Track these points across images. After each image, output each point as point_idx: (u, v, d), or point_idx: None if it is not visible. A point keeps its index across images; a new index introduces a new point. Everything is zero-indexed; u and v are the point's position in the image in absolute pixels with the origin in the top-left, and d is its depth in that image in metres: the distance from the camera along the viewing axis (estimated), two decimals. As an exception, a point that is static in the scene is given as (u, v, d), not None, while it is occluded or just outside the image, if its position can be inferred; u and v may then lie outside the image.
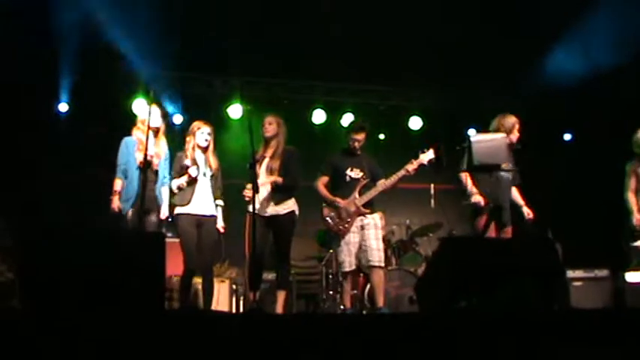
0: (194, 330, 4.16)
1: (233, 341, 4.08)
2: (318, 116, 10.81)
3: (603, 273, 8.93)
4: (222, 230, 7.12)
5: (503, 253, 4.91)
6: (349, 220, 7.15)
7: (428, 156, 7.37)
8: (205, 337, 4.09)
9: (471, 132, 10.46)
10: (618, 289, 8.64)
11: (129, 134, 7.05)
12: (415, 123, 11.34)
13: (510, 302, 4.46)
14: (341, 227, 7.15)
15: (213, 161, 7.08)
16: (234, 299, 8.65)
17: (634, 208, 7.55)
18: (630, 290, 8.39)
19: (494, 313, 4.20)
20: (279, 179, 6.91)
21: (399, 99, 11.46)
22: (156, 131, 6.97)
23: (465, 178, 6.98)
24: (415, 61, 9.88)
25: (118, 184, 6.85)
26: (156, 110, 6.90)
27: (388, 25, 9.16)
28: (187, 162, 6.86)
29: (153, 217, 6.87)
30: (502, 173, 6.78)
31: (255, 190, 6.40)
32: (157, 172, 6.95)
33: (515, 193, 7.24)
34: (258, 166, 6.89)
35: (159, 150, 6.98)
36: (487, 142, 6.09)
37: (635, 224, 7.54)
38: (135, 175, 6.83)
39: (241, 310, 8.63)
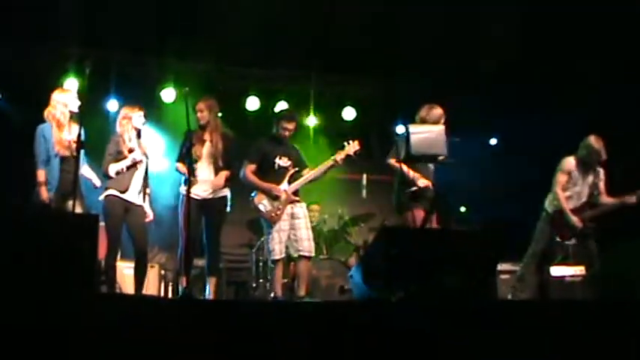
0: (126, 315, 4.11)
1: (165, 326, 4.05)
2: (252, 103, 10.71)
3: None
4: (151, 218, 7.05)
5: (440, 244, 4.98)
6: (280, 207, 7.14)
7: (353, 147, 7.40)
8: (137, 322, 4.04)
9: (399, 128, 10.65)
10: (543, 282, 8.85)
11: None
12: (349, 113, 11.33)
13: (448, 292, 4.52)
14: (273, 215, 7.14)
15: (145, 147, 7.00)
16: (162, 285, 8.59)
17: (564, 205, 7.71)
18: (554, 284, 8.62)
19: (431, 303, 4.25)
20: (218, 184, 7.05)
21: (333, 88, 11.43)
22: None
23: (403, 167, 7.03)
24: (351, 51, 9.87)
25: (41, 174, 6.64)
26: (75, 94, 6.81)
27: (325, 14, 9.11)
28: (130, 144, 6.77)
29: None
30: (431, 165, 6.93)
31: (192, 173, 6.36)
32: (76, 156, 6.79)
33: None
34: (196, 149, 6.85)
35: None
36: (425, 132, 6.15)
37: (575, 224, 7.69)
38: (55, 162, 6.68)
39: (170, 295, 8.55)
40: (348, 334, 4.06)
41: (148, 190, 7.00)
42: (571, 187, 7.79)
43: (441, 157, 6.34)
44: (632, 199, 7.63)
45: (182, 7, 8.84)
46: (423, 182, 6.83)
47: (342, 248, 9.47)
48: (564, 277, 8.63)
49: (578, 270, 8.60)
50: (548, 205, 7.89)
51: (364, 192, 9.13)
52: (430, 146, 6.07)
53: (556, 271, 8.65)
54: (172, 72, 10.27)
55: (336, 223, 9.54)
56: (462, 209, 8.73)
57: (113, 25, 8.90)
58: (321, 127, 10.95)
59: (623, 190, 7.78)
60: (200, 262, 7.86)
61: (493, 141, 11.92)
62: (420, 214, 6.71)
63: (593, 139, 7.69)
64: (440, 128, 6.30)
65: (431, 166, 6.89)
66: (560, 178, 7.77)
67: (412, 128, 6.17)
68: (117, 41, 9.34)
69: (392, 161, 6.92)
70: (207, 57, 10.18)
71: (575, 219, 7.68)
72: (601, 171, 7.87)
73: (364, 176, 9.12)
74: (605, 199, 7.82)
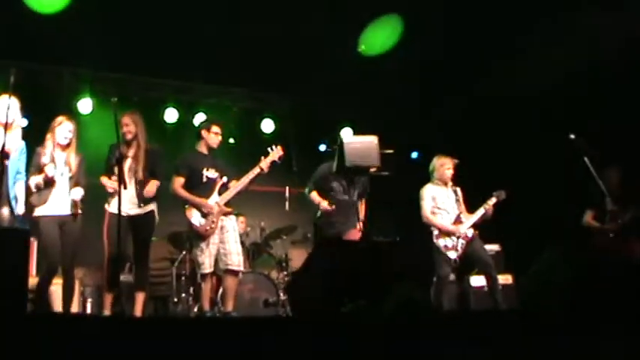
0: (57, 334, 3.95)
1: (97, 345, 3.92)
2: (170, 115, 10.56)
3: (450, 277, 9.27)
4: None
5: (376, 258, 4.99)
6: (214, 221, 7.03)
7: (277, 153, 7.42)
8: (70, 341, 3.89)
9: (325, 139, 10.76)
10: (464, 291, 9.01)
11: None
12: (267, 126, 11.32)
13: (395, 306, 4.52)
14: (207, 228, 7.01)
15: (74, 160, 6.78)
16: (81, 300, 8.36)
17: (437, 223, 7.87)
18: (474, 293, 8.79)
19: (377, 317, 4.24)
20: (150, 192, 6.89)
21: (252, 101, 11.41)
22: (5, 125, 6.40)
23: (311, 194, 7.19)
24: (270, 65, 9.86)
25: None
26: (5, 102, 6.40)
27: (241, 28, 9.04)
28: (45, 160, 6.54)
29: (4, 211, 6.43)
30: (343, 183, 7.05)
31: (124, 186, 6.20)
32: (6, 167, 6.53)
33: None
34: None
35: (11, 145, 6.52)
36: (359, 143, 6.19)
37: (452, 230, 7.84)
38: None
39: (89, 311, 8.32)
40: (284, 350, 4.00)
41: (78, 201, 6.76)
42: (438, 208, 8.00)
43: (373, 169, 6.40)
44: (489, 209, 7.95)
45: (99, 15, 8.59)
46: (324, 206, 6.94)
47: (265, 261, 9.42)
48: (483, 287, 8.84)
49: (502, 279, 8.86)
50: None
51: (287, 205, 9.10)
52: (363, 157, 6.12)
53: (475, 281, 8.85)
54: (87, 82, 10.04)
55: (258, 236, 9.47)
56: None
57: (30, 34, 8.63)
58: (241, 140, 10.87)
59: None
60: (123, 278, 7.66)
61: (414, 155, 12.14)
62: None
63: (435, 159, 8.16)
64: (373, 139, 6.34)
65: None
66: (425, 206, 8.00)
67: (346, 139, 6.20)
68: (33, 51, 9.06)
69: (306, 190, 7.40)
70: (124, 67, 10.00)
71: (454, 228, 7.85)
72: (457, 189, 8.18)
73: (287, 189, 9.09)
74: (465, 216, 8.03)
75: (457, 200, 8.08)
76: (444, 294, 7.92)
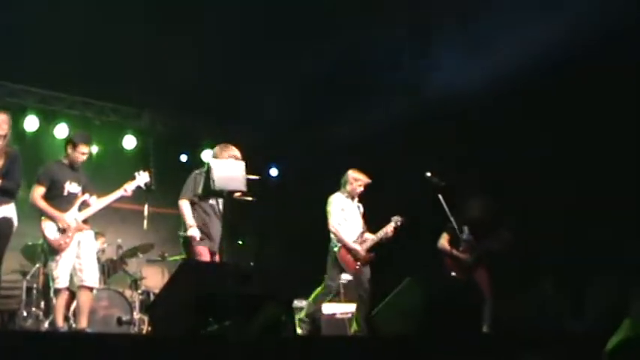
0: None
1: None
2: (31, 123, 10.30)
3: (302, 303, 9.47)
4: None
5: (243, 280, 5.10)
6: (70, 235, 6.91)
7: (144, 178, 7.43)
8: None
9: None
10: (315, 318, 9.22)
11: None
12: (129, 142, 11.24)
13: (262, 328, 4.64)
14: (62, 242, 6.87)
15: None
16: None
17: (341, 236, 8.00)
18: (325, 321, 9.03)
19: (244, 338, 4.35)
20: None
21: (115, 116, 11.31)
22: None
23: (184, 208, 7.16)
24: (133, 80, 9.84)
25: None
26: None
27: (112, 42, 9.00)
28: None
29: None
30: (212, 202, 7.11)
31: None
32: None
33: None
34: None
35: None
36: (227, 167, 6.29)
37: (355, 248, 7.99)
38: None
39: None
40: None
41: None
42: (345, 220, 8.12)
43: (238, 194, 6.51)
44: (389, 230, 8.09)
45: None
46: (192, 231, 7.07)
47: (120, 279, 9.30)
48: (335, 314, 9.09)
49: (349, 307, 9.12)
50: (332, 243, 8.11)
51: (145, 223, 9.04)
52: (231, 181, 6.21)
53: (327, 308, 9.09)
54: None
55: (114, 253, 9.35)
56: (240, 242, 8.90)
57: None
58: (103, 154, 10.73)
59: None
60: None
61: (274, 171, 12.29)
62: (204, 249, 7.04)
63: (350, 172, 8.24)
64: (241, 164, 6.46)
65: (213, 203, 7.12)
66: (334, 215, 8.09)
67: (214, 163, 6.28)
68: None
69: (180, 202, 7.24)
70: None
71: (358, 248, 7.99)
72: (360, 205, 8.32)
73: (146, 207, 9.03)
74: (368, 235, 8.19)
75: (361, 216, 8.21)
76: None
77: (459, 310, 6.26)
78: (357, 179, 8.18)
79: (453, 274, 8.24)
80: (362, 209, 8.30)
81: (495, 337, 6.82)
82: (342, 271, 8.09)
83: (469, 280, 8.05)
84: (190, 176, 7.42)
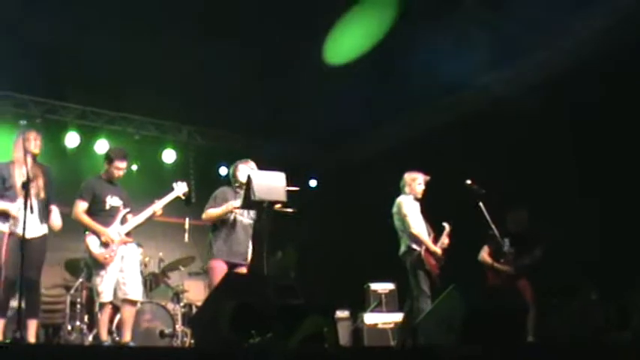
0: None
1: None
2: (72, 139, 10.42)
3: (344, 314, 9.46)
4: None
5: (285, 292, 5.10)
6: (114, 249, 6.96)
7: (182, 188, 7.46)
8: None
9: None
10: (357, 329, 9.22)
11: None
12: (169, 156, 11.32)
13: (305, 339, 4.63)
14: (107, 256, 6.91)
15: None
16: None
17: (425, 238, 7.71)
18: (367, 331, 9.02)
19: (286, 349, 4.34)
20: (57, 225, 6.83)
21: (155, 130, 11.40)
22: None
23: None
24: (173, 95, 9.92)
25: None
26: None
27: (144, 57, 9.07)
28: None
29: None
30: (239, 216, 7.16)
31: (31, 209, 6.06)
32: None
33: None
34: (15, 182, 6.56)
35: None
36: (267, 178, 6.28)
37: (437, 251, 7.71)
38: None
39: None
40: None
41: None
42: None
43: (278, 205, 6.51)
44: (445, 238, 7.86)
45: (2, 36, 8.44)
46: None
47: (162, 292, 9.35)
48: (377, 324, 9.08)
49: (391, 317, 9.10)
50: (406, 248, 7.76)
51: (187, 236, 9.11)
52: (271, 192, 6.20)
53: (370, 318, 9.08)
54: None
55: (156, 266, 9.41)
56: (280, 254, 8.92)
57: None
58: (143, 168, 10.83)
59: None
60: (13, 303, 7.42)
61: (313, 182, 12.31)
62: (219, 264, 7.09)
63: (405, 175, 8.02)
64: (281, 175, 6.44)
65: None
66: (413, 218, 7.78)
67: (254, 174, 6.29)
68: None
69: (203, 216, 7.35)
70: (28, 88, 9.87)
71: (439, 251, 7.71)
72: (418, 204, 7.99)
73: (187, 220, 9.10)
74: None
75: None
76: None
77: (503, 319, 6.18)
78: (414, 179, 7.96)
79: (497, 287, 8.14)
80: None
81: (540, 347, 6.74)
82: (428, 274, 7.63)
83: (512, 290, 7.95)
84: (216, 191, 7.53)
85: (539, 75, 9.03)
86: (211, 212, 7.37)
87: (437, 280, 7.58)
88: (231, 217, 7.29)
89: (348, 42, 8.94)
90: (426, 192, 7.98)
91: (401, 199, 7.93)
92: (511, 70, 9.21)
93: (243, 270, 7.23)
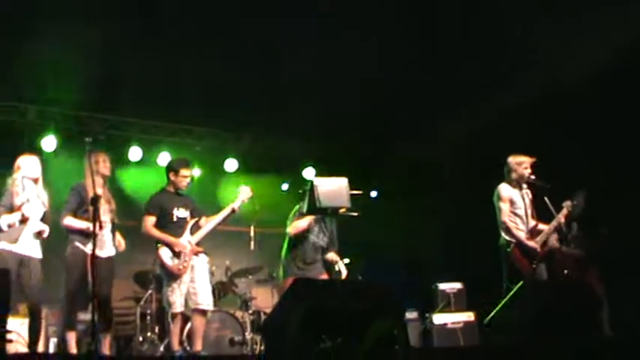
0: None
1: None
2: (134, 153, 10.58)
3: (412, 315, 9.40)
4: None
5: (356, 297, 5.08)
6: (187, 260, 7.04)
7: (246, 192, 7.48)
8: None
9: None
10: (426, 329, 9.14)
11: None
12: (231, 165, 11.41)
13: (376, 342, 4.61)
14: (180, 267, 6.99)
15: (44, 196, 6.79)
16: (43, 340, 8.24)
17: (515, 232, 7.36)
18: (437, 331, 8.94)
19: (361, 353, 4.33)
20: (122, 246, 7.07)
21: (215, 140, 11.50)
22: None
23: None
24: (231, 104, 9.99)
25: None
26: None
27: (202, 67, 9.14)
28: (19, 199, 6.57)
29: None
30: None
31: (100, 226, 6.17)
32: None
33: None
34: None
35: None
36: (330, 184, 6.27)
37: (532, 246, 7.30)
38: None
39: (51, 351, 8.21)
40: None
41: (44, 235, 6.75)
42: (514, 214, 7.48)
43: (342, 210, 6.48)
44: (562, 217, 7.42)
45: (64, 52, 8.60)
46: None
47: (230, 300, 9.44)
48: (446, 324, 9.00)
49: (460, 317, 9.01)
50: (502, 239, 7.47)
51: (252, 244, 9.14)
52: (335, 198, 6.18)
53: (438, 318, 9.01)
54: (52, 119, 10.06)
55: (223, 274, 9.48)
56: (346, 261, 8.88)
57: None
58: (205, 179, 10.95)
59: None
60: (86, 317, 7.58)
61: (373, 193, 12.29)
62: None
63: (510, 158, 7.62)
64: (344, 180, 6.41)
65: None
66: (504, 208, 7.47)
67: (317, 181, 6.27)
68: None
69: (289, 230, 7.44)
70: (89, 105, 10.05)
71: (534, 245, 7.32)
72: (529, 192, 7.65)
73: (252, 228, 9.13)
74: (542, 226, 7.49)
75: (530, 204, 7.54)
76: None
77: (575, 313, 6.06)
78: (519, 163, 7.51)
79: (566, 272, 7.95)
80: (530, 196, 7.58)
81: (615, 341, 6.60)
82: (518, 273, 7.24)
83: (581, 282, 7.79)
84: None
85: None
86: (298, 224, 7.45)
87: (530, 277, 7.17)
88: (309, 237, 7.29)
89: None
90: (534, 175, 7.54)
91: (500, 186, 7.58)
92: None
93: None
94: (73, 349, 6.74)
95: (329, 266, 7.42)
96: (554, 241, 7.98)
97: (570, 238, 7.87)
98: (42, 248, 6.81)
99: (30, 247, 6.62)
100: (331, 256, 7.44)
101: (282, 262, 7.82)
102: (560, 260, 7.96)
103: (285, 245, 7.83)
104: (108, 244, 6.91)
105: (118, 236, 7.08)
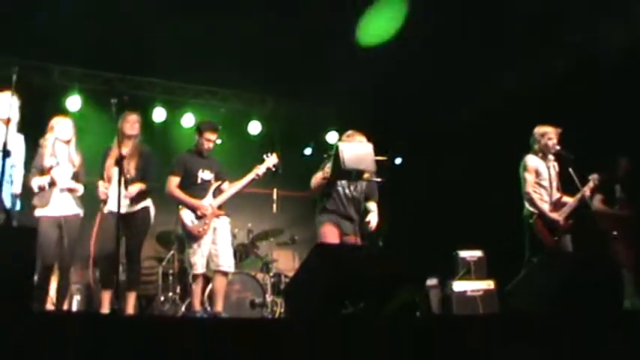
0: (60, 332, 3.98)
1: (97, 342, 3.95)
2: (159, 114, 10.59)
3: (432, 282, 9.40)
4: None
5: (377, 263, 5.09)
6: (207, 222, 7.08)
7: (272, 160, 7.48)
8: (73, 339, 3.93)
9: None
10: (446, 297, 9.14)
11: None
12: (254, 127, 11.40)
13: (398, 308, 4.62)
14: (200, 230, 7.05)
15: (76, 157, 6.83)
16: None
17: (538, 203, 7.38)
18: (456, 298, 8.94)
19: (383, 318, 4.34)
20: (142, 186, 6.95)
21: (239, 102, 11.48)
22: (7, 121, 6.18)
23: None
24: (257, 67, 9.94)
25: None
26: (8, 99, 6.20)
27: (231, 32, 9.09)
28: (49, 162, 6.63)
29: None
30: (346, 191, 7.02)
31: (126, 186, 6.22)
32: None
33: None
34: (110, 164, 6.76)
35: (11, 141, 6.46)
36: (355, 148, 6.26)
37: (555, 218, 7.34)
38: None
39: (74, 308, 8.31)
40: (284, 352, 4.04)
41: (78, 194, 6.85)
42: (539, 185, 7.49)
43: (366, 175, 6.46)
44: (587, 191, 7.47)
45: (90, 14, 8.58)
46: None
47: (252, 262, 9.49)
48: (466, 291, 8.99)
49: (480, 284, 9.00)
50: (526, 210, 7.50)
51: (275, 206, 9.17)
52: (360, 162, 6.17)
53: (458, 286, 8.99)
54: (76, 79, 10.08)
55: (245, 237, 9.52)
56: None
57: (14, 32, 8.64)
58: (229, 141, 10.93)
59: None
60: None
61: (398, 160, 12.26)
62: (330, 229, 6.76)
63: (535, 129, 7.60)
64: (369, 145, 6.40)
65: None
66: (529, 179, 7.48)
67: (343, 145, 6.26)
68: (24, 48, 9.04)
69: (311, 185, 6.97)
70: (114, 65, 10.05)
71: (557, 218, 7.36)
72: (556, 164, 7.63)
73: (275, 191, 9.16)
74: (566, 198, 7.52)
75: (557, 176, 7.54)
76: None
77: (597, 284, 6.03)
78: (544, 133, 7.48)
79: (615, 233, 7.95)
80: (557, 168, 7.57)
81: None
82: (541, 244, 7.26)
83: (607, 256, 7.75)
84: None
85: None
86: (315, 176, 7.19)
87: (554, 249, 7.19)
88: (339, 189, 6.97)
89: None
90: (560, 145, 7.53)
91: (526, 157, 7.55)
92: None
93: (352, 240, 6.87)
94: (106, 309, 6.80)
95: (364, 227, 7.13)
96: (598, 202, 8.03)
97: (617, 199, 8.07)
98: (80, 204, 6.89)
99: (63, 207, 6.71)
100: (370, 205, 7.17)
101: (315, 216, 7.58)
102: (607, 222, 8.07)
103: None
104: (138, 198, 6.95)
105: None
